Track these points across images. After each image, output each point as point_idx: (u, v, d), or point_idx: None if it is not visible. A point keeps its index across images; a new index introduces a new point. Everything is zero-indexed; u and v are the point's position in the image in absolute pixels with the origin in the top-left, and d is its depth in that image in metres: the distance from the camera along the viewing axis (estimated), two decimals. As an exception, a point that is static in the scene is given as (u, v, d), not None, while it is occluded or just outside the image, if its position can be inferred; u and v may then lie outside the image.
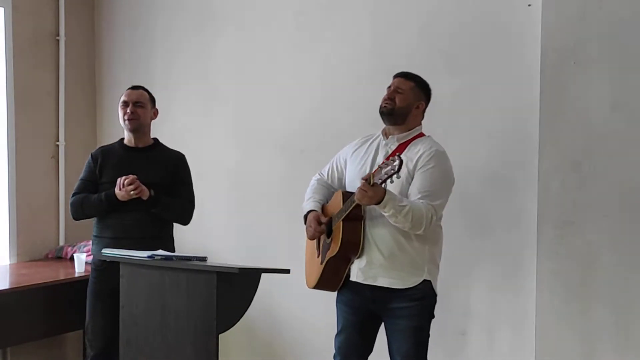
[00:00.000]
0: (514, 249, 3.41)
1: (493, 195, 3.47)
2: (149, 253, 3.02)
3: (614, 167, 3.01)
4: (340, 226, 2.89)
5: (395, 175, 2.62)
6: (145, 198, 3.44)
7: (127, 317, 3.15)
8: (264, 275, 2.99)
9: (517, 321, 3.39)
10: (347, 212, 2.85)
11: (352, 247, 2.89)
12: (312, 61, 4.08)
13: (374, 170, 2.73)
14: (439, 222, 2.97)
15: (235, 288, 2.85)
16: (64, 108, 4.84)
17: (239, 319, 2.91)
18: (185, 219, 3.66)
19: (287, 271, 3.02)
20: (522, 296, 3.36)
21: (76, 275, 4.11)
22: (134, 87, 3.68)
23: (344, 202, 2.91)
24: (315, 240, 3.10)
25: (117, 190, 3.44)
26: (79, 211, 3.59)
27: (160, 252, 3.07)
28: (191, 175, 3.70)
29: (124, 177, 3.42)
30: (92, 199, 3.53)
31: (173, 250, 3.61)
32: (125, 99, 3.59)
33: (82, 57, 5.00)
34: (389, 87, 3.01)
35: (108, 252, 3.26)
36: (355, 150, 3.10)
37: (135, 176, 3.42)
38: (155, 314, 3.02)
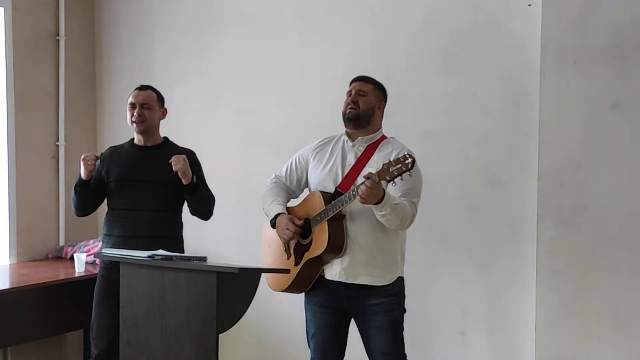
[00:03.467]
0: (514, 249, 3.41)
1: (493, 196, 3.47)
2: (149, 253, 3.01)
3: (614, 167, 3.01)
4: (325, 227, 2.92)
5: (408, 173, 2.68)
6: (186, 182, 3.40)
7: (127, 317, 3.14)
8: (264, 275, 2.99)
9: (517, 321, 3.39)
10: (335, 212, 2.88)
11: (337, 247, 2.94)
12: (312, 61, 4.08)
13: (379, 169, 2.74)
14: None
15: (235, 288, 2.85)
16: (64, 108, 4.84)
17: (239, 319, 2.91)
18: (211, 213, 3.62)
19: (287, 271, 3.04)
20: (522, 296, 3.36)
21: (76, 275, 4.11)
22: (142, 88, 3.64)
23: (325, 202, 2.94)
24: (282, 243, 3.10)
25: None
26: (72, 203, 3.60)
27: (160, 252, 3.07)
28: (203, 172, 3.67)
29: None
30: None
31: (182, 251, 3.58)
32: (133, 100, 3.55)
33: (82, 57, 5.00)
34: (349, 92, 3.07)
35: (108, 252, 3.26)
36: (317, 152, 3.14)
37: (182, 156, 3.40)
38: (155, 314, 3.02)
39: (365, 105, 3.02)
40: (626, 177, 2.99)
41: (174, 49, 4.70)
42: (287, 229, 3.02)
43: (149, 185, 3.48)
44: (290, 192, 3.22)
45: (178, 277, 2.94)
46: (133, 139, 3.65)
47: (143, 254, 3.04)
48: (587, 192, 3.07)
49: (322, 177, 3.06)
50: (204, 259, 3.09)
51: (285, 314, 4.19)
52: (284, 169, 3.23)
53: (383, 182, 2.74)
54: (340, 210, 2.89)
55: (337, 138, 3.14)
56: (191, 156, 3.61)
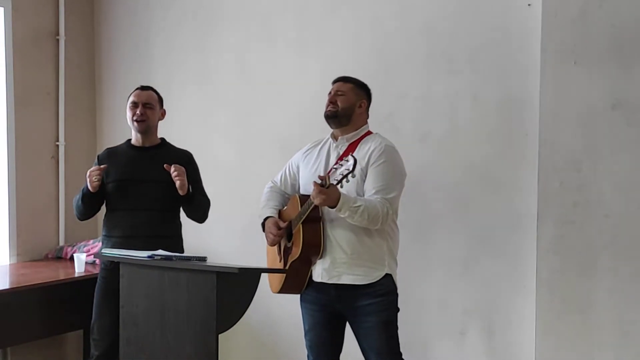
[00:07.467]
0: (514, 249, 3.41)
1: (493, 196, 3.47)
2: (149, 253, 3.01)
3: (614, 167, 3.01)
4: (300, 229, 2.96)
5: (350, 175, 2.71)
6: (183, 193, 3.42)
7: (127, 317, 3.14)
8: (263, 275, 2.99)
9: (517, 321, 3.39)
10: (305, 215, 2.92)
11: (313, 248, 2.96)
12: (313, 61, 4.08)
13: (328, 172, 2.81)
14: (395, 219, 3.03)
15: (235, 288, 2.85)
16: (64, 108, 4.84)
17: (239, 319, 2.91)
18: (206, 217, 3.66)
19: (285, 271, 3.04)
20: (522, 296, 3.36)
21: (76, 275, 4.11)
22: (143, 88, 3.66)
23: (301, 205, 2.98)
24: (276, 246, 3.17)
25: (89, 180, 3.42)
26: (75, 208, 3.61)
27: (160, 252, 3.07)
28: (200, 173, 3.69)
29: (172, 169, 3.38)
30: (78, 195, 3.55)
31: (182, 250, 3.61)
32: (135, 99, 3.57)
33: (82, 56, 5.00)
34: (329, 92, 3.11)
35: (108, 252, 3.25)
36: (307, 155, 3.20)
37: (183, 168, 3.41)
38: (155, 314, 3.02)
39: (343, 104, 3.05)
40: (626, 177, 2.99)
41: (174, 48, 4.70)
42: (270, 232, 3.10)
43: (148, 186, 3.49)
44: (287, 196, 3.25)
45: (178, 277, 2.95)
46: (129, 140, 3.67)
47: (143, 254, 3.04)
48: (587, 192, 3.06)
49: (308, 179, 3.10)
50: (204, 259, 3.09)
51: (286, 314, 4.19)
52: (279, 175, 3.30)
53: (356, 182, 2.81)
54: (312, 213, 2.91)
55: (324, 140, 3.18)
56: (189, 158, 3.66)
